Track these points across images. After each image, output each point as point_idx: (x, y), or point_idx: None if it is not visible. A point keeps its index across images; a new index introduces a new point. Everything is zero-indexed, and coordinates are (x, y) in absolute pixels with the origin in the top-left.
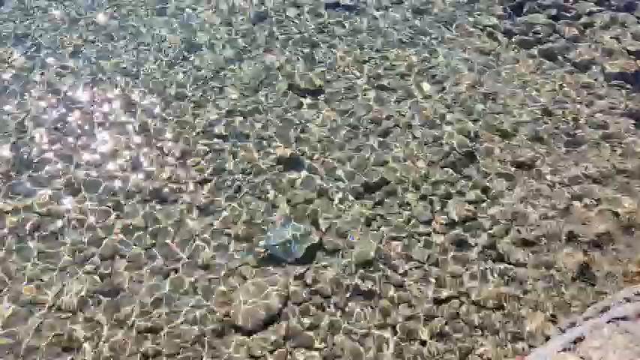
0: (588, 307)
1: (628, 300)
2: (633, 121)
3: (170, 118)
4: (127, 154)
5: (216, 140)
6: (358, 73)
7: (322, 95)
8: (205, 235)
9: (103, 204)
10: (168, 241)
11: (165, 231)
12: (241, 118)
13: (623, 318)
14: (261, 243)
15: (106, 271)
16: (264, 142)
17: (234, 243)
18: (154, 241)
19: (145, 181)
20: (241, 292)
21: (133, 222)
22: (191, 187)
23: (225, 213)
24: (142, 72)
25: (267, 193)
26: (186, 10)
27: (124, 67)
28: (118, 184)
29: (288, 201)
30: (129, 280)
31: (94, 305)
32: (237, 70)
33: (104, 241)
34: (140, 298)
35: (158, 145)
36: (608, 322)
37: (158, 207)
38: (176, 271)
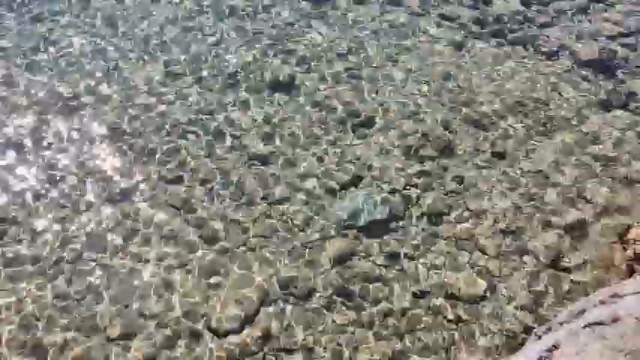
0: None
1: (603, 302)
2: (603, 108)
3: None
4: None
5: None
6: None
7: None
8: None
9: None
10: None
11: None
12: None
13: (599, 323)
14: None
15: None
16: None
17: None
18: None
19: None
20: None
21: None
22: None
23: None
24: None
25: None
26: None
27: None
28: None
29: None
30: None
31: None
32: None
33: None
34: None
35: None
36: (584, 327)
37: None
38: None
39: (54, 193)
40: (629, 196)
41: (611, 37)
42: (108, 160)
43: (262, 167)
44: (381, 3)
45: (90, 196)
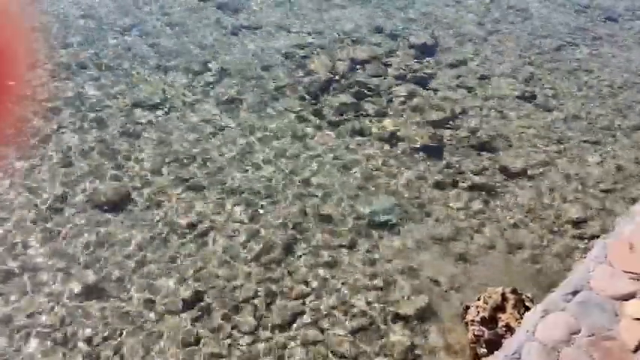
0: None
1: None
2: (439, 190)
3: None
4: None
5: None
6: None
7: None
8: None
9: None
10: None
11: None
12: None
13: None
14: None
15: None
16: None
17: None
18: None
19: None
20: None
21: None
22: None
23: None
24: None
25: None
26: None
27: None
28: None
29: None
30: None
31: None
32: None
33: None
34: None
35: None
36: None
37: None
38: None
39: None
40: (467, 274)
41: (438, 122)
42: None
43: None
44: (217, 104)
45: None
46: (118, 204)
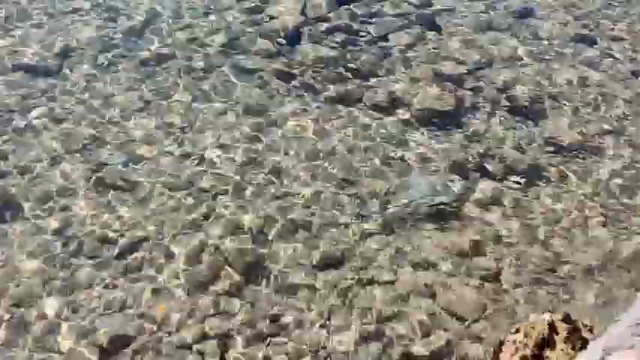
0: None
1: None
2: (459, 177)
3: None
4: None
5: None
6: None
7: None
8: None
9: None
10: None
11: None
12: None
13: None
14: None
15: None
16: None
17: None
18: None
19: None
20: None
21: None
22: None
23: None
24: None
25: None
26: None
27: None
28: None
29: None
30: None
31: None
32: None
33: None
34: None
35: None
36: None
37: None
38: None
39: None
40: (500, 296)
41: (454, 79)
42: None
43: None
44: None
45: None
46: None
